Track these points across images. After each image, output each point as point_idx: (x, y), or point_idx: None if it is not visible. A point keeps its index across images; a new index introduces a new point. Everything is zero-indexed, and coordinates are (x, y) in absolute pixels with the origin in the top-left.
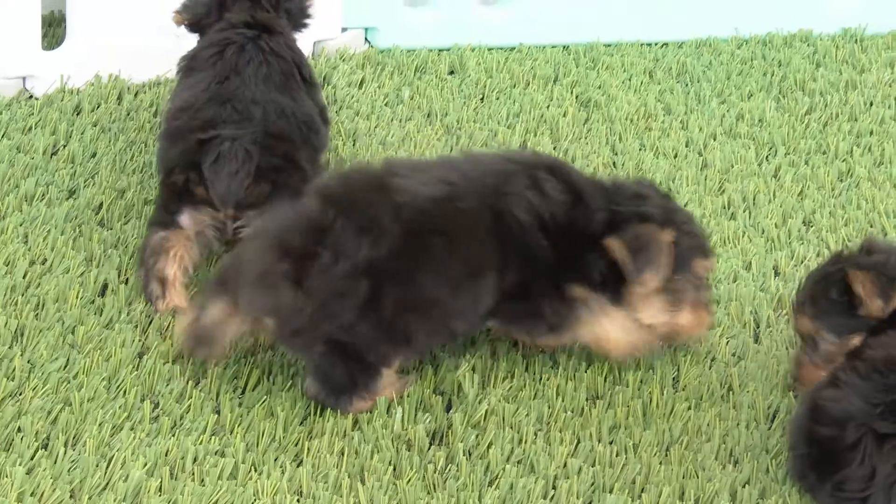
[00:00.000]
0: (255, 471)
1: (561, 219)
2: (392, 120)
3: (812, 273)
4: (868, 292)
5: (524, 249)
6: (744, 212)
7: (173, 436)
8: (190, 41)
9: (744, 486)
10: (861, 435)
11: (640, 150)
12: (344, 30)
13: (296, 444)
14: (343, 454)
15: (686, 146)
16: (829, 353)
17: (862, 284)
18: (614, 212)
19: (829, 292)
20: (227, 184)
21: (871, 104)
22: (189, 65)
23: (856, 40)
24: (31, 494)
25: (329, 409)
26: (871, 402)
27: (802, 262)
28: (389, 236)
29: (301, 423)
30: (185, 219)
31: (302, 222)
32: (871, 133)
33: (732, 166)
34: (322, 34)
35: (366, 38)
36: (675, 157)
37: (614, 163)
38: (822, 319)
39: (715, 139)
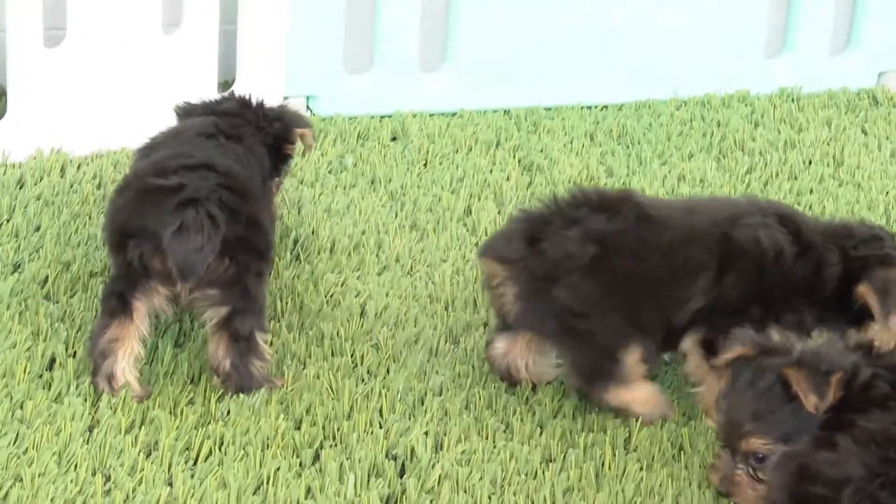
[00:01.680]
0: None
1: (783, 263)
2: (336, 187)
3: (735, 394)
4: (803, 389)
5: (745, 270)
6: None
7: None
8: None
9: None
10: (859, 500)
11: None
12: (285, 98)
13: None
14: None
15: None
16: None
17: (797, 382)
18: (852, 258)
19: (775, 404)
20: (190, 259)
21: (811, 162)
22: (149, 145)
23: (792, 100)
24: None
25: (282, 478)
26: (872, 472)
27: None
28: (623, 216)
29: (254, 493)
30: (139, 304)
31: (545, 206)
32: (811, 191)
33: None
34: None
35: (307, 106)
36: None
37: None
38: (774, 433)
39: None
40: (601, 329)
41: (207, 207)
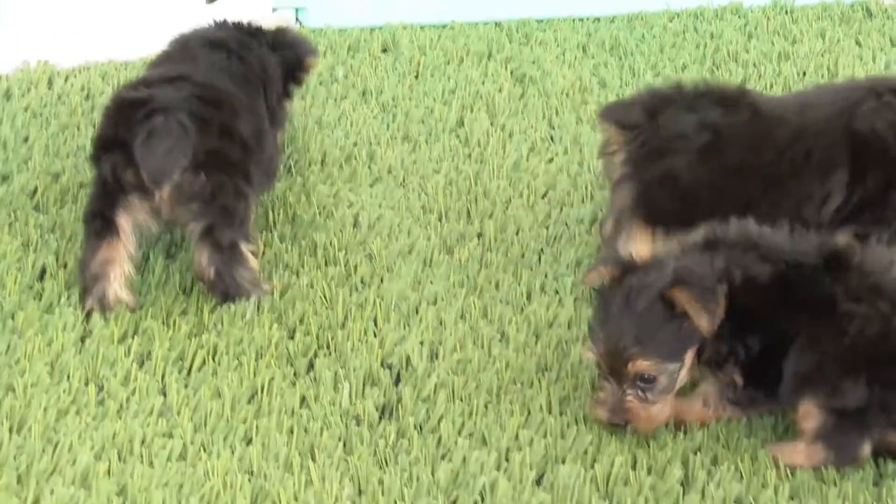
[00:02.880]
0: (205, 451)
1: None
2: (327, 99)
3: (614, 318)
4: (696, 311)
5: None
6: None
7: (120, 419)
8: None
9: (695, 454)
10: None
11: (576, 123)
12: (274, 10)
13: (244, 423)
14: (292, 432)
15: None
16: (671, 382)
17: (687, 303)
18: None
19: (657, 324)
20: (159, 163)
21: (805, 74)
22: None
23: (786, 11)
24: None
25: (276, 387)
26: None
27: None
28: (739, 111)
29: (248, 402)
30: (122, 221)
31: (671, 87)
32: None
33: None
34: (253, 14)
35: (297, 18)
36: None
37: (552, 136)
38: (660, 352)
39: None
40: (700, 211)
41: (176, 115)
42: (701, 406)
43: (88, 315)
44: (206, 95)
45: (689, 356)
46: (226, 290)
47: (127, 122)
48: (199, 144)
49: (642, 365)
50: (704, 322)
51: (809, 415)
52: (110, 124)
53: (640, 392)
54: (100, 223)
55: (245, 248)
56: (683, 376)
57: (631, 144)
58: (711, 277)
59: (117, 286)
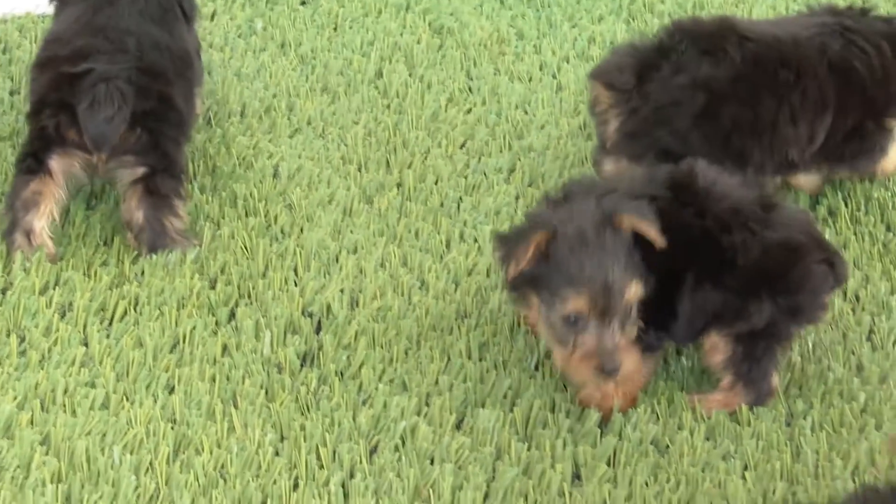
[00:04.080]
0: (127, 400)
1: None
2: (246, 51)
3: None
4: (647, 231)
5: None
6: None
7: (42, 369)
8: None
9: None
10: None
11: (494, 74)
12: None
13: (166, 372)
14: (214, 380)
15: (540, 70)
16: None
17: (637, 225)
18: None
19: (624, 251)
20: (101, 129)
21: None
22: None
23: None
24: None
25: (198, 336)
26: None
27: None
28: (731, 61)
29: (170, 351)
30: (55, 164)
31: (652, 41)
32: None
33: (586, 88)
34: None
35: None
36: (530, 80)
37: (469, 87)
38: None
39: (568, 62)
40: None
41: (117, 84)
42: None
43: (14, 251)
44: (142, 66)
45: None
46: (153, 239)
47: (71, 88)
48: (137, 106)
49: (636, 290)
50: (657, 235)
51: (717, 347)
52: (53, 87)
53: (623, 328)
54: (32, 162)
55: (178, 201)
56: None
57: (621, 109)
58: (638, 200)
59: (44, 222)
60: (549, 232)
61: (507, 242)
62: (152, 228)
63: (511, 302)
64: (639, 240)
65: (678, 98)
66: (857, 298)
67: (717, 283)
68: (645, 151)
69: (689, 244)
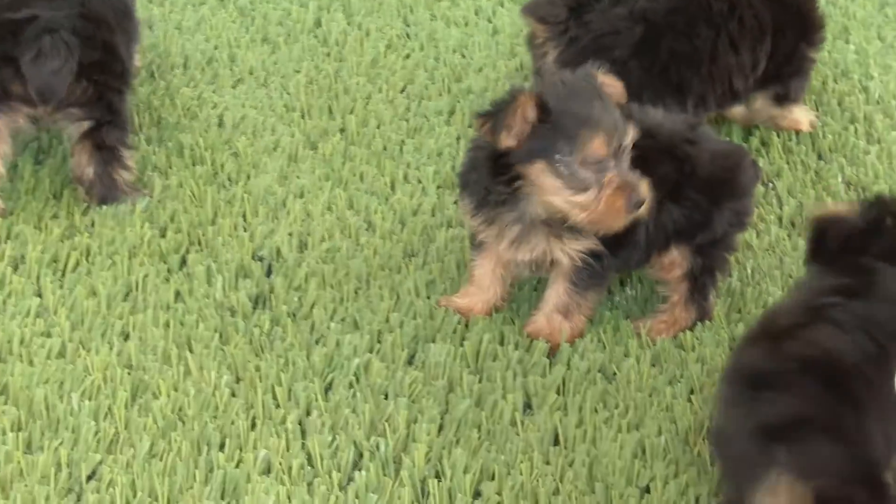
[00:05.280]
0: (83, 348)
1: None
2: (186, 5)
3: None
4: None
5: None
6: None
7: None
8: None
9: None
10: None
11: (431, 20)
12: None
13: (121, 320)
14: (168, 326)
15: (476, 14)
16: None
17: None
18: None
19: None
20: (48, 82)
21: None
22: None
23: None
24: None
25: (151, 283)
26: None
27: None
28: None
29: (124, 299)
30: (0, 125)
31: None
32: None
33: (521, 30)
34: None
35: None
36: (466, 25)
37: (407, 34)
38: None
39: (503, 6)
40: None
41: (62, 35)
42: (562, 318)
43: None
44: (86, 14)
45: None
46: (104, 193)
47: (14, 39)
48: (83, 58)
49: (633, 134)
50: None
51: (676, 262)
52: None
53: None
54: None
55: (125, 152)
56: None
57: (559, 40)
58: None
59: None
60: (532, 96)
61: (492, 114)
62: (103, 183)
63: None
64: None
65: (617, 28)
66: (793, 224)
67: (679, 198)
68: None
69: (640, 166)
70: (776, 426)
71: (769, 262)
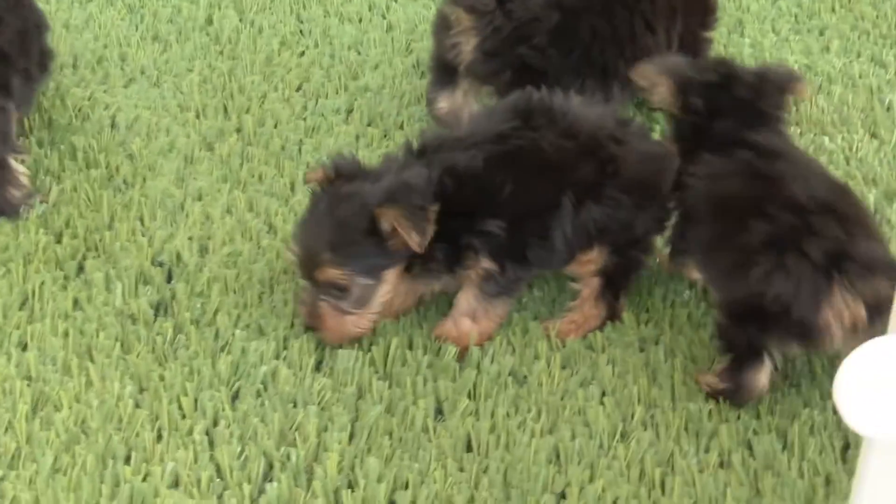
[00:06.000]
0: None
1: None
2: (73, 2)
3: (315, 220)
4: (405, 229)
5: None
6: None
7: None
8: None
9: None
10: None
11: (325, 16)
12: None
13: (18, 329)
14: (68, 335)
15: (369, 10)
16: (363, 296)
17: (396, 222)
18: None
19: (353, 235)
20: None
21: None
22: None
23: None
24: None
25: (48, 291)
26: None
27: None
28: None
29: (20, 308)
30: None
31: None
32: None
33: (417, 27)
34: None
35: None
36: (360, 21)
37: (301, 31)
38: (352, 264)
39: (397, 2)
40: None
41: None
42: (469, 321)
43: None
44: None
45: (392, 274)
46: (1, 213)
47: None
48: None
49: (330, 273)
50: (415, 240)
51: (592, 258)
52: None
53: (333, 300)
54: None
55: (14, 163)
56: (385, 293)
57: (480, 30)
58: (424, 194)
59: None
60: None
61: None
62: None
63: None
64: (491, 184)
65: (537, 15)
66: None
67: (601, 198)
68: (503, 68)
69: (560, 168)
70: None
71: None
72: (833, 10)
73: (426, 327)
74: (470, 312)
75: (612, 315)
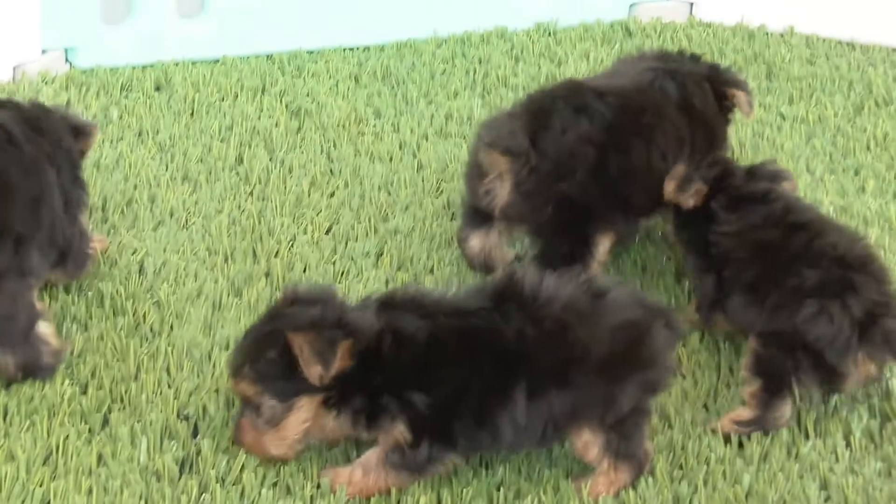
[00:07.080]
0: None
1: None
2: (103, 142)
3: (249, 332)
4: (306, 358)
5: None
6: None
7: None
8: None
9: (498, 489)
10: None
11: (355, 155)
12: (44, 52)
13: (41, 486)
14: (91, 492)
15: (400, 149)
16: (273, 417)
17: (300, 349)
18: None
19: (268, 354)
20: None
21: None
22: None
23: (549, 34)
24: None
25: (72, 446)
26: None
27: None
28: (601, 115)
29: (44, 463)
30: None
31: (523, 108)
32: None
33: (448, 166)
34: (21, 57)
35: (66, 59)
36: (391, 160)
37: (331, 170)
38: (263, 383)
39: (427, 140)
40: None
41: None
42: (360, 474)
43: None
44: None
45: (306, 402)
46: (28, 374)
47: None
48: None
49: (244, 387)
50: (313, 371)
51: (589, 442)
52: None
53: (253, 417)
54: None
55: (42, 326)
56: (300, 421)
57: (519, 171)
58: (336, 329)
59: None
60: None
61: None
62: (27, 375)
63: None
64: (427, 358)
65: (574, 151)
66: (731, 371)
67: (566, 383)
68: (543, 206)
69: (517, 356)
70: None
71: (704, 415)
72: (868, 148)
73: (454, 483)
74: (367, 466)
75: (640, 470)
